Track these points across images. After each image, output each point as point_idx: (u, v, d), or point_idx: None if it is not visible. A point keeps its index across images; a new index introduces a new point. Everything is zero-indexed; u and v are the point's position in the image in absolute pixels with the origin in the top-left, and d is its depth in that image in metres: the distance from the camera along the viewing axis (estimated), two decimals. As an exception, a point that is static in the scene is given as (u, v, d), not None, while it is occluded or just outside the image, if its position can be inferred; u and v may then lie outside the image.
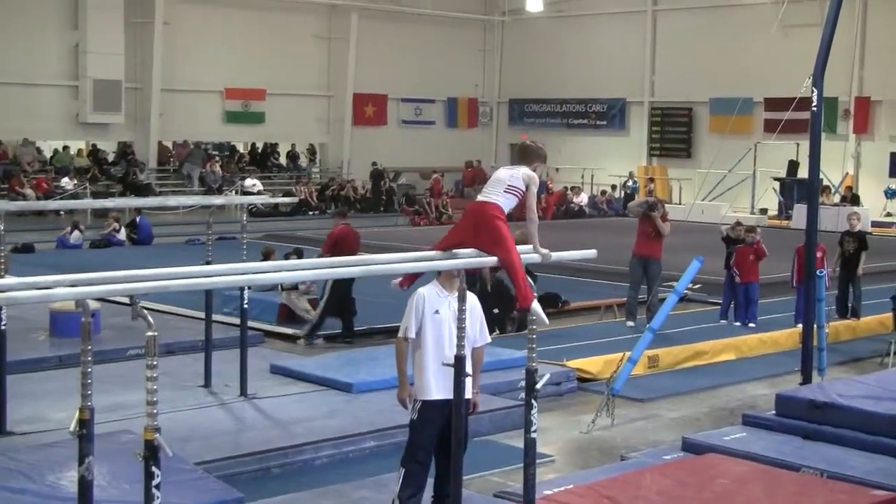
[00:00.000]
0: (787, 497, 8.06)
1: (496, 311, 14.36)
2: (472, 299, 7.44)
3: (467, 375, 7.12)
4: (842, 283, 16.12)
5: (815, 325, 12.32)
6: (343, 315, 14.67)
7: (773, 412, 10.31)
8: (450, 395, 7.16)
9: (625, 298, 16.09)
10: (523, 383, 6.99)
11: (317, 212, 34.60)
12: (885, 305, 15.08)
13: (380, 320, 14.73)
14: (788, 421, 10.01)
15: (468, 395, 7.34)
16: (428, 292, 7.50)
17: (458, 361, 6.97)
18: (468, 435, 7.58)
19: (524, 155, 7.27)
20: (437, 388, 7.35)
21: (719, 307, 16.47)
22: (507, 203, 7.02)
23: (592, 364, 12.83)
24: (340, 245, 14.26)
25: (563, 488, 8.28)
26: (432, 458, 7.50)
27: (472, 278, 14.11)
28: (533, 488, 6.77)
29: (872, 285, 17.70)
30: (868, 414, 9.58)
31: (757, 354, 14.54)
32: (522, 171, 7.07)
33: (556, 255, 7.21)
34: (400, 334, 7.56)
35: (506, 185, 7.03)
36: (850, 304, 16.32)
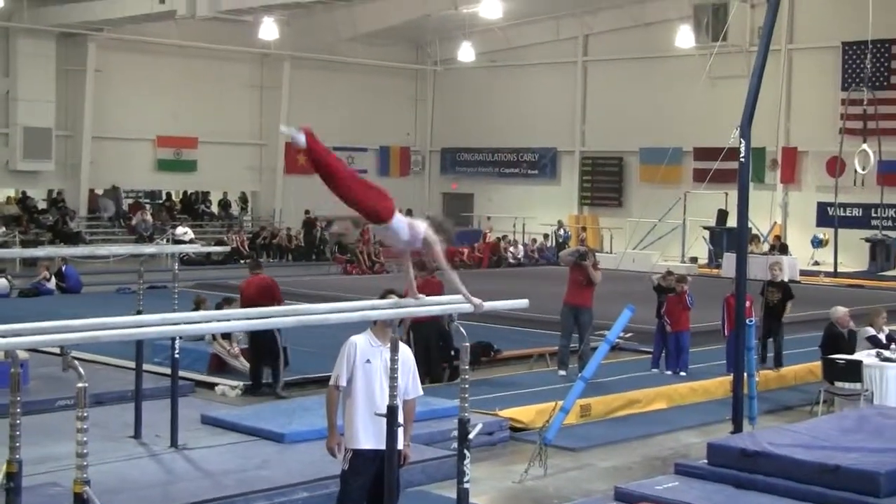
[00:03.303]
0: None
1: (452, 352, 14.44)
2: (404, 351, 7.44)
3: (398, 426, 7.11)
4: (764, 332, 16.26)
5: (745, 374, 12.44)
6: (271, 364, 14.51)
7: (705, 461, 10.35)
8: (380, 446, 7.16)
9: (556, 347, 16.14)
10: (456, 433, 6.97)
11: (248, 260, 34.37)
12: (814, 354, 15.25)
13: (312, 370, 14.63)
14: (720, 470, 10.05)
15: (399, 446, 7.32)
16: (360, 341, 7.50)
17: (391, 412, 6.95)
18: (400, 486, 7.54)
19: (438, 228, 7.24)
20: (367, 437, 7.34)
21: (651, 356, 16.56)
22: (400, 224, 7.05)
23: (525, 413, 12.82)
24: (263, 295, 14.15)
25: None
26: None
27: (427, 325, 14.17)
28: (466, 539, 6.74)
29: (800, 334, 17.92)
30: (798, 462, 9.64)
31: (688, 403, 14.62)
32: (426, 230, 7.08)
33: (489, 305, 7.23)
34: (331, 382, 7.54)
35: (409, 221, 7.10)
36: (770, 354, 16.45)
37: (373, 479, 7.42)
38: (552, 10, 39.78)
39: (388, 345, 7.36)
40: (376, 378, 7.39)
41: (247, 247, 35.38)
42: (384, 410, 7.17)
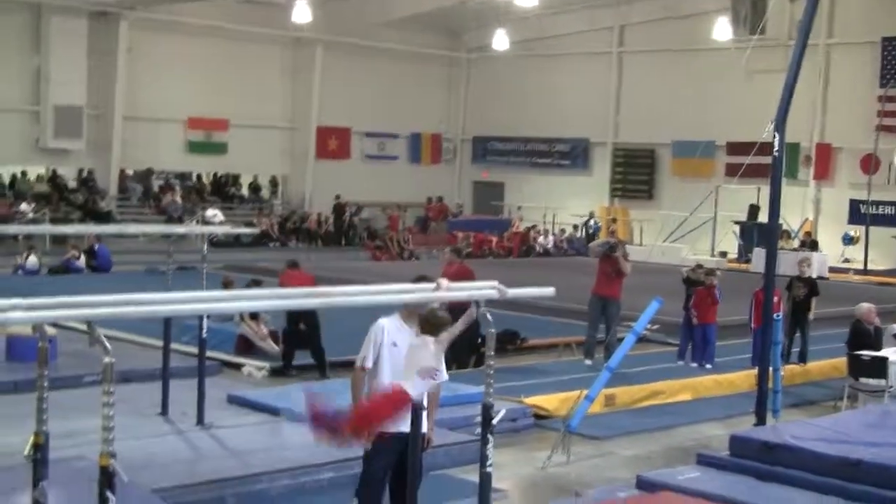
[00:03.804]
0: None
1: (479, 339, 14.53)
2: (430, 337, 7.53)
3: (423, 409, 7.22)
4: (790, 328, 16.28)
5: (770, 368, 12.50)
6: (310, 347, 14.67)
7: (728, 452, 10.42)
8: (404, 429, 7.26)
9: (583, 337, 16.23)
10: (479, 418, 7.07)
11: (278, 243, 34.62)
12: (839, 350, 15.28)
13: (339, 353, 14.76)
14: (742, 461, 10.13)
15: (423, 430, 7.42)
16: (388, 324, 7.61)
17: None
18: (423, 471, 7.65)
19: (431, 327, 7.23)
20: (392, 420, 7.43)
21: (677, 348, 16.64)
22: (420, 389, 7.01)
23: (549, 401, 12.92)
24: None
25: (517, 523, 8.36)
26: (385, 490, 7.57)
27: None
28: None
29: (826, 330, 17.92)
30: (820, 456, 9.71)
31: (713, 395, 14.69)
32: (433, 350, 7.09)
33: (514, 293, 7.31)
34: (357, 364, 7.65)
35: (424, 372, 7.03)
36: (797, 350, 16.48)
37: (395, 462, 7.54)
38: (588, 0, 39.74)
39: (416, 329, 7.47)
40: (401, 361, 7.48)
41: (276, 230, 35.58)
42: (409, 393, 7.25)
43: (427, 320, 7.23)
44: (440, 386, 7.74)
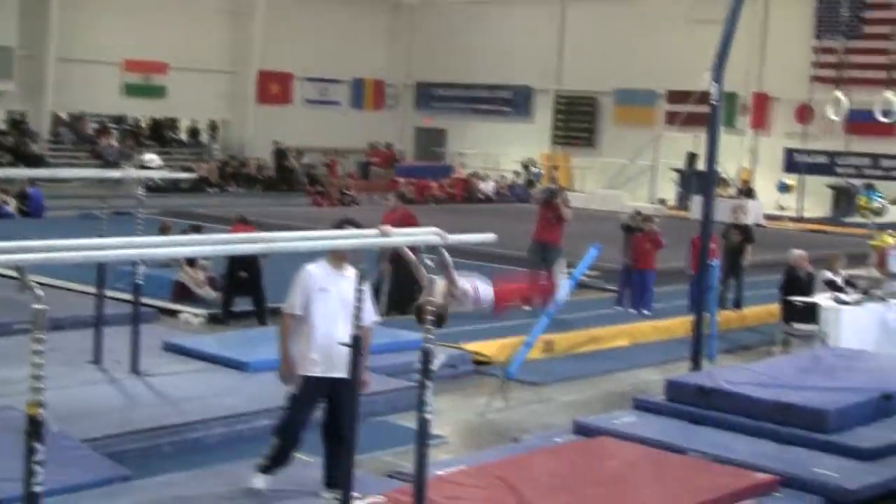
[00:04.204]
0: (674, 479, 8.26)
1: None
2: (357, 279, 7.54)
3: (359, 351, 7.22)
4: (725, 274, 16.41)
5: (706, 313, 12.62)
6: (252, 294, 14.56)
7: (664, 397, 10.54)
8: (330, 373, 7.38)
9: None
10: (419, 364, 7.06)
11: (217, 189, 34.31)
12: (773, 296, 15.45)
13: (278, 300, 14.66)
14: (677, 406, 10.25)
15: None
16: (315, 270, 7.61)
17: (356, 341, 7.03)
18: (354, 415, 7.64)
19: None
20: (319, 364, 7.49)
21: (615, 294, 16.73)
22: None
23: (488, 347, 12.97)
24: None
25: (455, 469, 8.38)
26: (304, 432, 7.66)
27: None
28: (425, 468, 6.84)
29: (761, 276, 18.11)
30: (753, 400, 9.86)
31: (650, 341, 14.81)
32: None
33: (455, 238, 7.29)
34: (285, 311, 7.64)
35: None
36: (732, 296, 16.64)
37: (328, 408, 7.58)
38: (531, -54, 39.50)
39: (345, 273, 7.53)
40: (331, 306, 7.49)
41: (216, 176, 35.25)
42: (339, 338, 7.28)
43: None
44: (371, 329, 7.73)
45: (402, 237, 7.64)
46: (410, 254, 8.02)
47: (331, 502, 7.54)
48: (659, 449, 9.09)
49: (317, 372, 7.50)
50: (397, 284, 15.00)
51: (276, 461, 7.70)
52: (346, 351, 7.21)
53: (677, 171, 35.01)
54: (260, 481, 7.68)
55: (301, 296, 7.55)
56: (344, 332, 7.24)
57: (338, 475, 7.49)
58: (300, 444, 7.75)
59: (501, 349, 12.62)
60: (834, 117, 30.27)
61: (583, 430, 9.82)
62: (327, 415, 7.71)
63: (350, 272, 7.56)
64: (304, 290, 7.55)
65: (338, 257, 7.60)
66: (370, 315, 7.68)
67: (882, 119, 28.69)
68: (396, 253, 14.61)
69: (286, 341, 7.66)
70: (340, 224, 7.69)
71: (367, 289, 7.63)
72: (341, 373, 7.30)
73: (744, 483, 8.25)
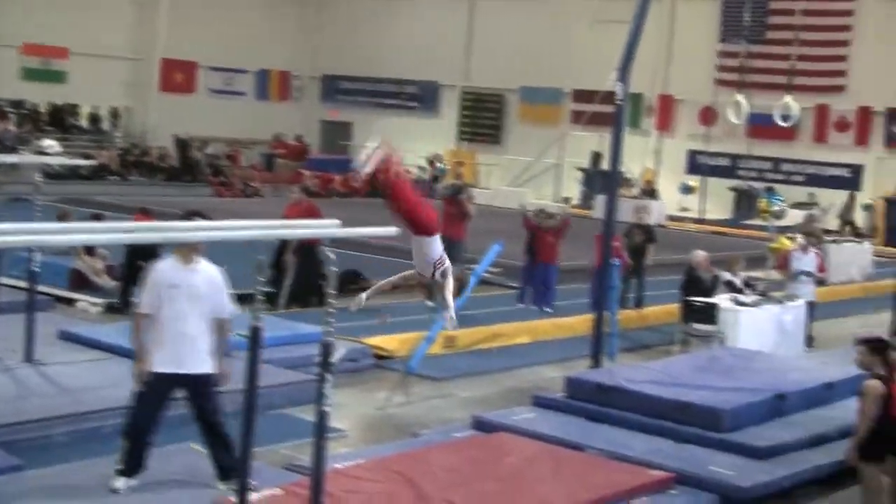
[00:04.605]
0: (571, 475, 8.34)
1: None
2: (212, 270, 7.60)
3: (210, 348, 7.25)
4: (626, 273, 16.58)
5: (607, 312, 12.76)
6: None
7: (563, 394, 10.64)
8: (180, 369, 7.44)
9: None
10: (318, 357, 7.03)
11: (118, 177, 33.79)
12: (674, 296, 15.66)
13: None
14: (577, 403, 10.36)
15: (208, 368, 7.46)
16: (164, 266, 7.57)
17: (254, 332, 6.98)
18: (215, 409, 7.64)
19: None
20: (169, 361, 7.49)
21: (517, 291, 16.84)
22: (436, 241, 7.98)
23: (390, 342, 12.98)
24: None
25: (354, 462, 8.38)
26: (154, 431, 7.62)
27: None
28: (323, 461, 6.81)
29: (662, 276, 18.37)
30: (651, 398, 10.00)
31: (551, 338, 14.93)
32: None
33: (357, 232, 7.28)
34: (137, 310, 7.59)
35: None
36: (632, 295, 16.85)
37: (192, 405, 7.59)
38: (441, -59, 39.56)
39: (196, 268, 7.54)
40: (181, 302, 7.44)
41: (117, 164, 34.71)
42: (190, 333, 7.40)
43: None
44: (229, 322, 7.69)
45: (304, 228, 7.61)
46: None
47: (225, 493, 7.49)
48: (557, 445, 9.19)
49: (167, 368, 7.46)
50: (300, 277, 14.97)
51: (130, 462, 7.61)
52: (198, 347, 7.25)
53: (582, 170, 35.33)
54: (120, 483, 7.58)
55: (151, 293, 7.51)
56: (195, 328, 7.27)
57: (226, 467, 7.49)
58: (150, 443, 7.66)
59: (403, 344, 12.64)
60: (735, 120, 30.78)
61: (482, 426, 9.88)
62: (194, 411, 7.69)
63: (202, 266, 7.53)
64: (153, 287, 7.53)
65: (187, 252, 7.55)
66: (228, 307, 7.66)
67: (781, 123, 29.26)
68: (301, 245, 14.61)
69: (139, 340, 7.62)
70: (188, 216, 7.66)
71: (219, 280, 7.60)
72: (194, 368, 7.33)
73: (640, 480, 8.38)
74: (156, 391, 7.52)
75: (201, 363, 7.50)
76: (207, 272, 7.54)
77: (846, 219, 30.76)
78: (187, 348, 7.36)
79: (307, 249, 14.62)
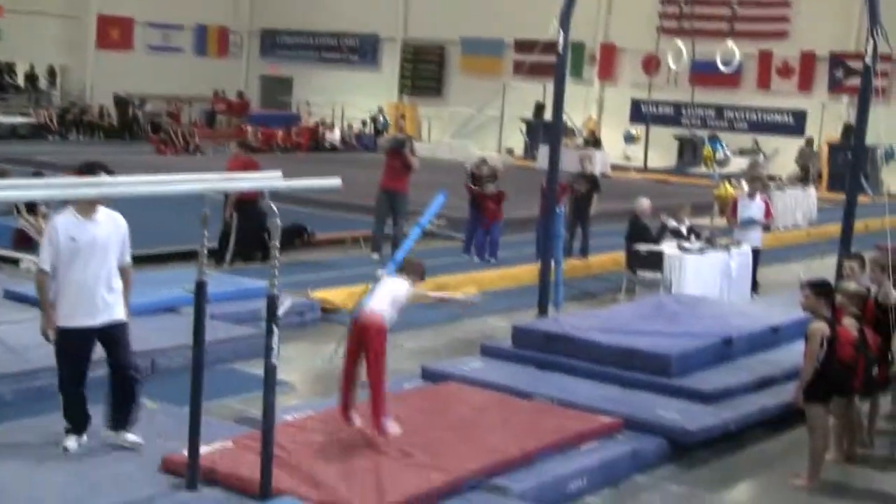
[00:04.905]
0: (520, 423, 8.39)
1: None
2: (113, 219, 7.53)
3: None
4: (571, 223, 16.66)
5: (552, 261, 12.82)
6: None
7: (510, 343, 10.69)
8: (90, 322, 7.35)
9: (370, 232, 16.29)
10: (265, 311, 7.01)
11: (57, 136, 33.37)
12: (619, 245, 15.74)
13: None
14: (524, 352, 10.41)
15: (116, 317, 7.45)
16: (62, 220, 7.43)
17: (199, 286, 6.95)
18: (130, 359, 7.61)
19: (408, 269, 8.28)
20: (76, 315, 7.39)
21: (462, 243, 16.86)
22: (391, 314, 7.87)
23: (336, 295, 12.97)
24: None
25: (303, 414, 8.39)
26: (85, 383, 7.57)
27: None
28: (272, 413, 6.81)
29: (607, 225, 18.46)
30: (598, 345, 10.06)
31: (497, 288, 14.97)
32: (406, 292, 8.06)
33: (300, 184, 7.24)
34: (38, 267, 7.50)
35: (391, 298, 7.92)
36: (578, 244, 16.92)
37: (108, 356, 7.54)
38: None
39: (96, 219, 7.42)
40: (83, 255, 7.37)
41: (55, 122, 34.27)
42: (93, 285, 7.33)
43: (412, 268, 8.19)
44: (128, 271, 7.63)
45: (246, 181, 7.56)
46: None
47: (115, 440, 7.53)
48: (506, 394, 9.23)
49: (74, 323, 7.39)
50: (242, 233, 14.91)
51: (74, 419, 7.56)
52: (103, 298, 7.31)
53: (525, 121, 35.35)
54: (71, 442, 7.54)
55: (50, 249, 7.38)
56: (98, 279, 7.24)
57: (122, 419, 7.53)
58: (84, 397, 7.58)
59: (349, 297, 12.61)
60: (674, 67, 30.84)
61: (430, 376, 9.92)
62: (109, 361, 7.60)
63: (102, 216, 7.43)
64: (52, 243, 7.37)
65: (84, 205, 7.44)
66: (126, 257, 7.62)
67: (723, 69, 29.29)
68: (240, 199, 14.53)
69: (44, 297, 7.49)
70: (88, 168, 7.51)
71: (123, 229, 7.56)
72: (101, 319, 7.30)
73: (588, 426, 8.45)
74: (72, 347, 7.43)
75: (108, 313, 7.40)
76: (108, 222, 7.39)
77: (804, 165, 30.74)
78: (92, 301, 7.28)
79: (246, 205, 14.57)
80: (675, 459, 8.57)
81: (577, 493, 7.66)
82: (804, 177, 27.39)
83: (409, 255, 8.33)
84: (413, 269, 8.27)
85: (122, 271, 7.52)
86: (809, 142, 32.15)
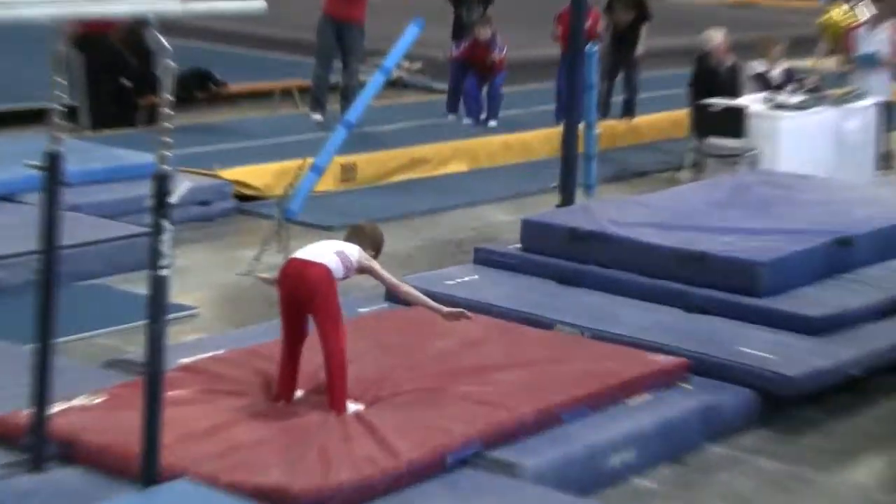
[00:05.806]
0: (534, 366, 8.28)
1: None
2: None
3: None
4: (610, 67, 16.55)
5: (581, 124, 12.73)
6: None
7: (518, 246, 10.62)
8: None
9: (309, 81, 16.16)
10: (151, 199, 6.86)
11: None
12: (681, 98, 15.66)
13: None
14: (538, 258, 10.34)
15: None
16: None
17: (52, 162, 6.82)
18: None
19: (359, 236, 8.07)
20: None
21: (446, 97, 16.76)
22: (339, 270, 7.70)
23: (258, 174, 12.99)
24: None
25: (209, 354, 8.34)
26: None
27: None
28: (162, 354, 6.69)
29: (661, 70, 18.39)
30: (649, 248, 9.99)
31: (499, 164, 14.95)
32: (359, 256, 7.81)
33: (207, 7, 7.07)
34: None
35: (337, 249, 7.75)
36: (619, 98, 16.85)
37: None
38: None
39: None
40: None
41: None
42: None
43: (367, 237, 8.05)
44: None
45: (118, 2, 7.36)
46: None
47: None
48: (511, 321, 9.16)
49: None
50: (96, 81, 14.80)
51: None
52: None
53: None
54: None
55: None
56: None
57: None
58: None
59: (278, 178, 12.57)
60: None
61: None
62: None
63: None
64: None
65: None
66: None
67: None
68: (86, 29, 14.31)
69: None
70: None
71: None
72: None
73: (636, 370, 8.35)
74: None
75: None
76: None
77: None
78: None
79: (94, 38, 14.47)
80: (767, 421, 8.52)
81: (620, 471, 7.57)
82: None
83: (365, 223, 8.20)
84: (365, 237, 8.07)
85: None
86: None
